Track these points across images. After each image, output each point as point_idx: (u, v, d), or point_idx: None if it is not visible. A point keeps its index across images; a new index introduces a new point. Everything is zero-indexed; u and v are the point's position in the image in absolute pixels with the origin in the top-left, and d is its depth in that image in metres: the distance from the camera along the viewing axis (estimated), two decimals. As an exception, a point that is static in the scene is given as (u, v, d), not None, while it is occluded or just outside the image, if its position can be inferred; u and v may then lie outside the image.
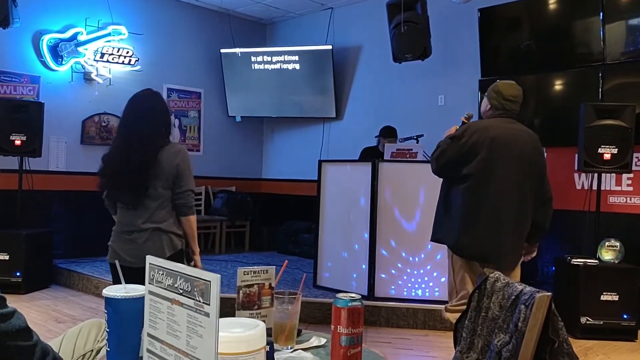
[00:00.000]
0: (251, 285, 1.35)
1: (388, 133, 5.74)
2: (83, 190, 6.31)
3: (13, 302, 1.24)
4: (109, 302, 1.24)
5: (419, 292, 4.62)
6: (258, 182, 8.02)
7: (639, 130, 4.44)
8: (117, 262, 1.37)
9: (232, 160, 7.60)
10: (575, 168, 4.77)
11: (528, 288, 1.75)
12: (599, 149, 4.41)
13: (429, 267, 4.58)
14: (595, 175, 4.68)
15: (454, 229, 2.86)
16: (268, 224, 7.55)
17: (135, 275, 2.54)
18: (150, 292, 0.80)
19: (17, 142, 5.20)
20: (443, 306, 3.01)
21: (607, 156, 4.40)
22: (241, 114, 7.68)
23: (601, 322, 4.27)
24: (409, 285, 4.64)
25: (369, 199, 4.72)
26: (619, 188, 4.95)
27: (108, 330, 1.24)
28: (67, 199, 6.28)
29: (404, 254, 4.65)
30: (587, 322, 4.28)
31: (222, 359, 0.82)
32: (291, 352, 1.41)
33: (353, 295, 1.23)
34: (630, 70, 4.93)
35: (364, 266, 4.74)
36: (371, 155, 5.58)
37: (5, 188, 5.54)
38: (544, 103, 5.53)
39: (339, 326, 1.20)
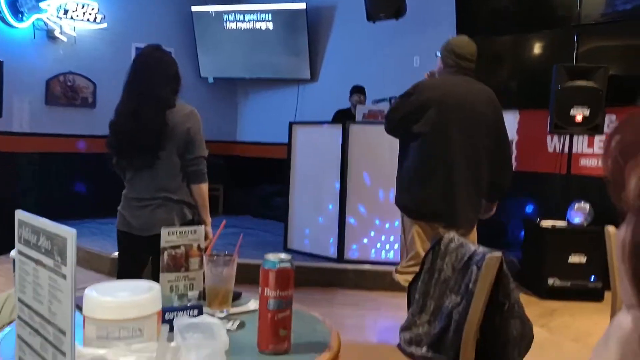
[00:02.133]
0: (177, 247, 1.26)
1: (355, 89, 5.66)
2: (49, 152, 6.14)
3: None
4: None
5: (390, 254, 4.59)
6: (232, 145, 7.87)
7: (612, 92, 4.38)
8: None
9: (205, 122, 7.38)
10: (548, 130, 4.72)
11: (481, 249, 1.69)
12: (571, 111, 4.35)
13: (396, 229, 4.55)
14: (567, 137, 4.64)
15: (404, 189, 2.79)
16: (241, 188, 7.44)
17: (144, 244, 2.46)
18: (20, 252, 0.71)
19: (-25, 102, 4.99)
20: (394, 268, 2.94)
21: (578, 118, 4.34)
22: (213, 75, 7.48)
23: (568, 284, 4.29)
24: (378, 246, 4.61)
25: (339, 162, 4.63)
26: (590, 150, 4.92)
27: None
28: (32, 161, 6.09)
29: (375, 221, 4.60)
30: (555, 284, 4.30)
31: (107, 326, 0.73)
32: (224, 316, 1.34)
33: (283, 256, 1.15)
34: (606, 32, 4.85)
35: (330, 224, 4.69)
36: (344, 118, 5.49)
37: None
38: (520, 65, 5.45)
39: (266, 289, 1.12)
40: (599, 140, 4.83)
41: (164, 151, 2.49)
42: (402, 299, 4.20)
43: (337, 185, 4.67)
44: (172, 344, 0.77)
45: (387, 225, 4.58)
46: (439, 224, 2.65)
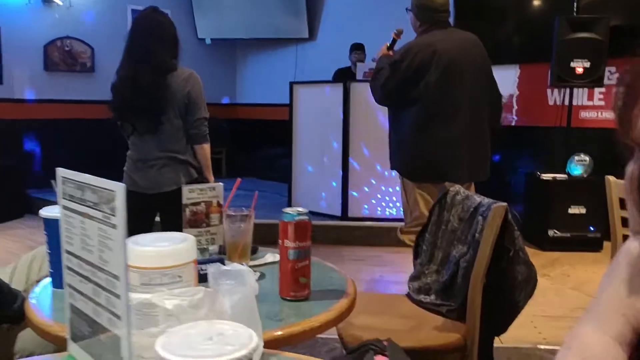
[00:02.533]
0: (198, 203, 1.32)
1: (354, 47, 5.67)
2: (51, 119, 6.16)
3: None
4: (47, 222, 1.20)
5: (393, 211, 4.67)
6: (232, 108, 7.87)
7: (614, 44, 4.37)
8: (52, 182, 1.32)
9: (204, 84, 7.37)
10: (548, 83, 4.73)
11: (486, 200, 1.75)
12: (572, 63, 4.35)
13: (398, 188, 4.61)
14: (568, 90, 4.65)
15: (404, 153, 2.78)
16: (244, 150, 7.47)
17: (150, 201, 2.54)
18: (64, 207, 0.76)
19: (-26, 70, 4.99)
20: (398, 228, 3.00)
21: (579, 70, 4.34)
22: (211, 36, 7.41)
23: (568, 235, 4.38)
24: (382, 204, 4.68)
25: (341, 122, 4.66)
26: (590, 103, 4.93)
27: (49, 251, 1.22)
28: (35, 128, 6.12)
29: (378, 171, 4.65)
30: (555, 235, 4.39)
31: (147, 274, 0.79)
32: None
33: (300, 209, 1.21)
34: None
35: (334, 183, 4.76)
36: (344, 77, 5.48)
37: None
38: (519, 18, 5.40)
39: (285, 240, 1.18)
40: (599, 92, 4.84)
41: (165, 115, 2.55)
42: (405, 254, 4.31)
43: (335, 144, 4.71)
44: (209, 288, 0.83)
45: (388, 182, 4.64)
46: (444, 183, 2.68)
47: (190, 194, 1.31)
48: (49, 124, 6.14)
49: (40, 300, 1.18)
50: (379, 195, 4.67)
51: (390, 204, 4.67)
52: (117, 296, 0.65)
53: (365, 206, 4.70)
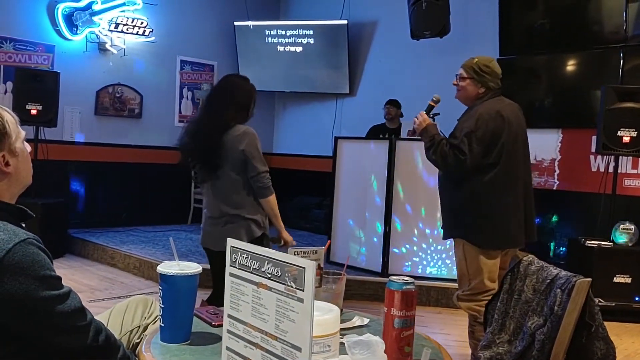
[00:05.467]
0: (301, 266, 1.37)
1: (387, 102, 5.87)
2: (97, 161, 6.35)
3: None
4: (164, 278, 1.26)
5: (434, 270, 4.65)
6: (269, 157, 8.01)
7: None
8: (171, 239, 1.38)
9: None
10: (593, 150, 4.75)
11: (563, 272, 1.76)
12: (618, 132, 4.39)
13: (440, 247, 4.61)
14: (612, 157, 4.66)
15: (475, 219, 2.76)
16: (279, 200, 7.54)
17: (219, 258, 2.63)
18: (232, 275, 0.81)
19: (33, 112, 5.19)
20: (455, 293, 2.99)
21: (626, 139, 4.38)
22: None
23: (613, 304, 4.30)
24: (424, 263, 4.67)
25: (385, 179, 4.72)
26: (635, 171, 4.94)
27: (162, 306, 1.26)
28: (82, 170, 6.30)
29: (420, 229, 4.67)
30: (599, 304, 4.29)
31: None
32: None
33: (406, 278, 1.24)
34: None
35: (374, 239, 4.77)
36: (378, 133, 5.62)
37: (20, 157, 5.55)
38: (563, 83, 5.48)
39: (392, 309, 1.21)
40: (644, 161, 4.85)
41: (222, 169, 2.67)
42: (445, 315, 4.27)
43: (378, 200, 4.75)
44: (346, 357, 0.87)
45: (429, 241, 4.64)
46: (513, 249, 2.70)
47: (295, 256, 1.36)
48: (95, 166, 6.32)
49: (153, 352, 1.22)
50: (421, 254, 4.67)
51: (432, 263, 4.66)
52: (298, 367, 0.69)
53: (407, 263, 4.69)
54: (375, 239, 4.79)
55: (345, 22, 6.93)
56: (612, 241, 4.44)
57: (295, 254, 1.38)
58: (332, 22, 7.02)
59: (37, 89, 5.23)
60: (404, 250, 4.70)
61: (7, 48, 5.74)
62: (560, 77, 5.49)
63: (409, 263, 4.69)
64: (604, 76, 4.97)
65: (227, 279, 0.82)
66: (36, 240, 1.20)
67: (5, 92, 5.73)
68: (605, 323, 4.42)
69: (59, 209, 5.63)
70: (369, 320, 1.51)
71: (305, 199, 7.14)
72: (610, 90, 4.43)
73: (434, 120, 5.27)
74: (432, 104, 3.03)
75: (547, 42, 5.43)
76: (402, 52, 6.60)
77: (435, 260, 4.64)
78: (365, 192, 4.90)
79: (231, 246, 0.80)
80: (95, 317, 1.56)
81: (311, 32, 7.13)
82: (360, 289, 4.49)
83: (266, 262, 0.74)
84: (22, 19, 5.82)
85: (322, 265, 1.41)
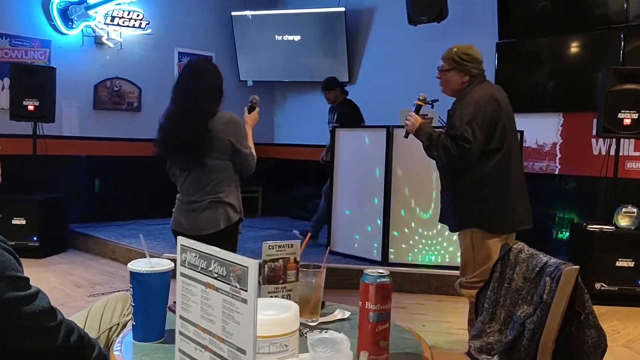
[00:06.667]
0: (276, 260, 1.34)
1: (322, 88, 5.74)
2: (96, 156, 6.34)
3: (31, 266, 1.24)
4: (134, 276, 1.23)
5: (432, 257, 4.62)
6: (268, 147, 7.98)
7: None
8: (141, 235, 1.36)
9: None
10: (594, 133, 4.69)
11: (553, 260, 1.72)
12: (619, 114, 4.32)
13: (439, 234, 4.57)
14: (614, 140, 4.59)
15: (484, 205, 2.74)
16: (278, 189, 7.54)
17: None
18: (183, 274, 0.78)
19: (30, 108, 5.18)
20: (457, 281, 2.97)
21: (627, 121, 4.31)
22: (253, 78, 7.59)
23: (616, 288, 4.26)
24: (424, 251, 4.64)
25: (384, 167, 4.67)
26: (636, 154, 4.87)
27: (134, 304, 1.24)
28: (81, 164, 6.30)
29: (419, 216, 4.63)
30: (602, 288, 4.27)
31: (259, 342, 0.80)
32: (316, 325, 1.41)
33: (381, 271, 1.21)
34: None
35: (374, 228, 4.74)
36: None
37: (19, 153, 5.55)
38: (563, 67, 5.40)
39: (367, 302, 1.18)
40: (645, 143, 4.78)
41: (207, 157, 2.65)
42: (447, 302, 4.25)
43: (377, 188, 4.71)
44: (307, 356, 0.84)
45: (430, 228, 4.60)
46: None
47: (270, 250, 1.33)
48: (93, 161, 6.31)
49: (124, 352, 1.20)
50: (423, 241, 4.63)
51: (432, 250, 4.62)
52: (243, 370, 0.67)
53: (407, 251, 4.66)
54: (375, 228, 4.76)
55: (342, 9, 6.86)
56: (615, 225, 4.39)
57: (270, 248, 1.36)
58: (329, 10, 6.94)
59: (34, 84, 5.21)
60: (404, 238, 4.66)
61: (3, 44, 5.72)
62: (561, 59, 5.41)
63: (409, 251, 4.66)
64: (605, 58, 4.88)
65: (178, 279, 0.79)
66: (1, 240, 1.18)
67: (2, 88, 5.72)
68: (608, 308, 4.38)
69: (59, 204, 5.63)
70: (350, 313, 1.48)
71: (305, 189, 7.11)
72: (611, 72, 4.36)
73: (432, 107, 5.26)
74: (420, 103, 3.01)
75: (546, 25, 5.34)
76: (401, 38, 6.52)
77: (436, 248, 4.61)
78: (365, 181, 4.87)
79: (181, 245, 0.77)
80: (74, 316, 1.55)
81: (309, 20, 7.06)
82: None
83: (212, 261, 0.71)
84: (17, 15, 5.79)
85: (298, 259, 1.38)
